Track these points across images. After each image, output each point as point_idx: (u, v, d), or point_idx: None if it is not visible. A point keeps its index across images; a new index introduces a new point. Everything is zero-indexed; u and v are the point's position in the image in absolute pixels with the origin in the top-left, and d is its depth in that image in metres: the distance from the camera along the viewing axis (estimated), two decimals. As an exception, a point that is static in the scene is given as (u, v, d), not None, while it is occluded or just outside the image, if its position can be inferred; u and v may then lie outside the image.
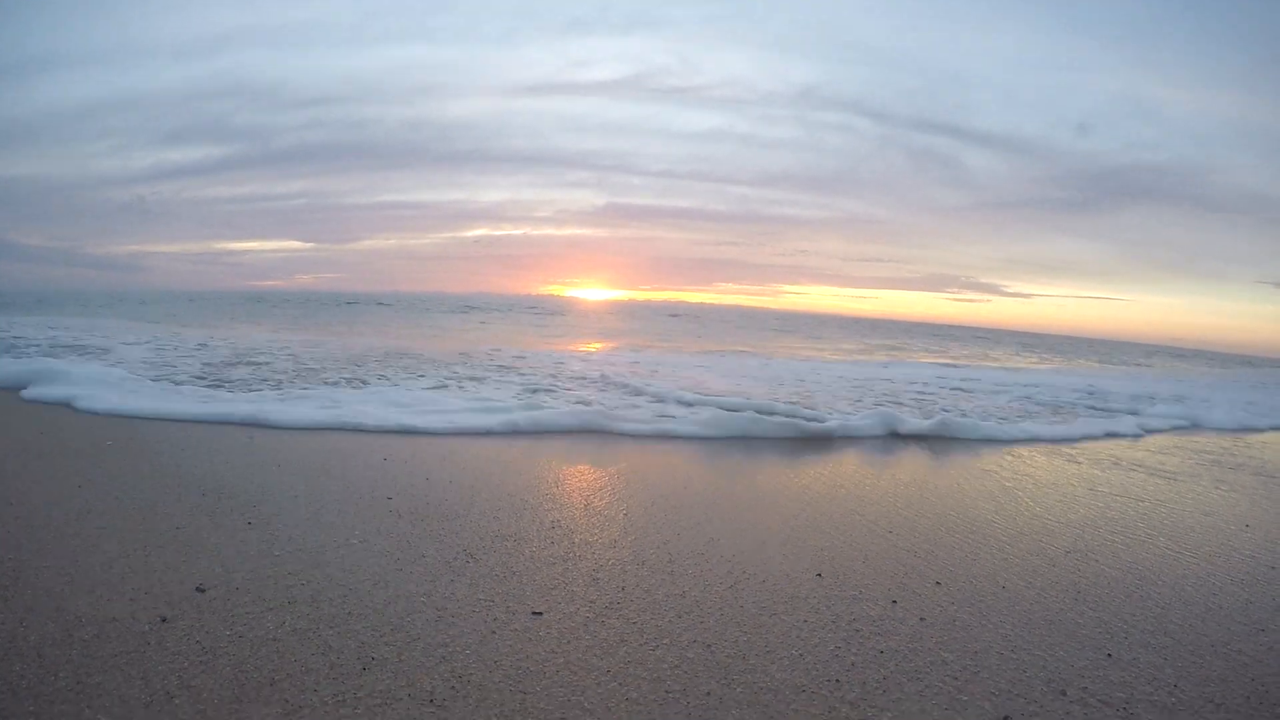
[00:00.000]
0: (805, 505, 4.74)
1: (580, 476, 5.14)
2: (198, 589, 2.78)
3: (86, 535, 3.32)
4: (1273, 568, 4.02)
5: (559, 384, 10.07)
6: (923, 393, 12.37)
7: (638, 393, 9.47)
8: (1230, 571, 3.90)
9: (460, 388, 9.07)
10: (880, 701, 2.30)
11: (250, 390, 8.06)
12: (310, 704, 2.07)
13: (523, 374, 11.01)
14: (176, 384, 8.22)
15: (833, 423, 7.78)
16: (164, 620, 2.51)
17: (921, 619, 2.98)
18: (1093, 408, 11.88)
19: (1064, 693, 2.44)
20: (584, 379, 10.76)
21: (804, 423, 7.58)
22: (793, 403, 9.28)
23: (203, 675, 2.18)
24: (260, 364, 10.55)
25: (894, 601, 3.15)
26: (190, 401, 7.00)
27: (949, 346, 34.21)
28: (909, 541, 4.04)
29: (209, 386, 8.18)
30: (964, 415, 9.13)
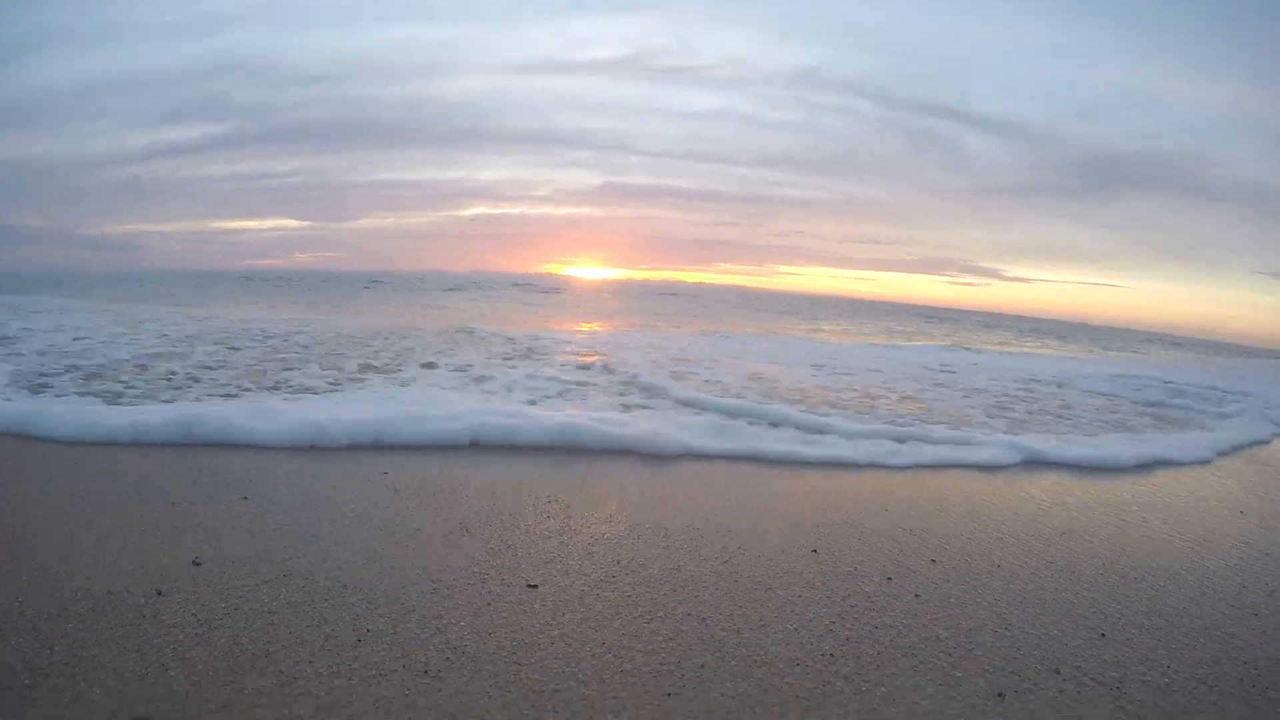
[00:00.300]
0: (802, 482, 4.75)
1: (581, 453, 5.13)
2: (193, 563, 2.78)
3: (82, 513, 3.31)
4: (1266, 553, 4.04)
5: (596, 382, 8.04)
6: (1017, 395, 10.12)
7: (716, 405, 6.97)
8: (1224, 556, 3.91)
9: (486, 389, 7.09)
10: (874, 676, 2.31)
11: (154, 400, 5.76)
12: (305, 675, 2.07)
13: (554, 362, 9.34)
14: (44, 388, 5.90)
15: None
16: (159, 594, 2.50)
17: (916, 595, 2.99)
18: (1191, 409, 10.50)
19: (1057, 671, 2.45)
20: (622, 375, 8.57)
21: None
22: (906, 414, 7.44)
23: (198, 648, 2.18)
24: (219, 351, 8.53)
25: (889, 578, 3.16)
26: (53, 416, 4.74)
27: (952, 331, 33.86)
28: (904, 519, 4.04)
29: (91, 396, 5.70)
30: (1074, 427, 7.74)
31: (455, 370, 8.24)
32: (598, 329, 16.94)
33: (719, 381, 8.69)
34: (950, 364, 14.28)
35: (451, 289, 33.91)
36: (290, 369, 7.66)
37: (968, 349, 20.13)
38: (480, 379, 7.69)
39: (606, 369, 9.10)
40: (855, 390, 9.05)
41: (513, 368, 8.64)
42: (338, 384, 6.93)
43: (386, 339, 11.03)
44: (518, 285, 41.88)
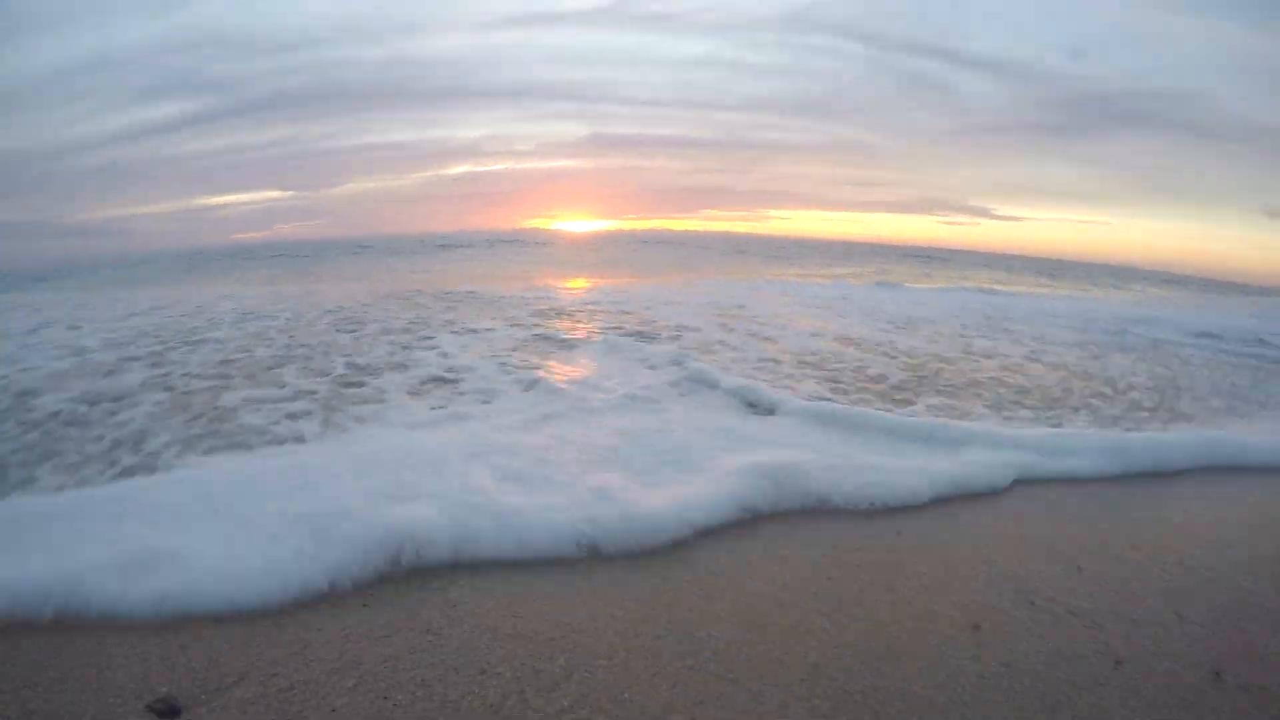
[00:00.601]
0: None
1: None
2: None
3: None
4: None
5: (672, 374, 5.97)
6: (1131, 349, 9.46)
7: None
8: (1202, 491, 4.02)
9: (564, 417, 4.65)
10: (855, 612, 2.44)
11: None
12: (317, 641, 2.19)
13: (601, 342, 7.33)
14: None
15: None
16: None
17: (898, 533, 3.11)
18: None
19: (1032, 603, 2.57)
20: (687, 350, 6.93)
21: None
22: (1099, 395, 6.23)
23: (213, 625, 2.29)
24: (168, 354, 6.53)
25: (871, 518, 3.28)
26: None
27: (950, 271, 32.87)
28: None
29: None
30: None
31: (495, 364, 6.14)
32: (610, 285, 15.43)
33: (817, 354, 7.32)
34: (992, 309, 13.49)
35: (441, 248, 33.34)
36: (257, 387, 5.32)
37: (967, 286, 19.63)
38: (539, 387, 5.36)
39: (662, 336, 7.84)
40: (977, 359, 7.70)
41: (552, 355, 6.73)
42: (325, 415, 4.63)
43: (385, 310, 9.74)
44: (507, 242, 41.27)
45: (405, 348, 6.89)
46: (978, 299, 16.09)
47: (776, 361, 6.82)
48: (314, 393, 5.21)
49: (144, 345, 7.10)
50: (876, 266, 30.17)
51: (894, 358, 7.40)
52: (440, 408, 4.87)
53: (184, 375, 5.79)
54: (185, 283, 17.58)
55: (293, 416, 4.62)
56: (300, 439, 4.20)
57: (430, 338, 7.48)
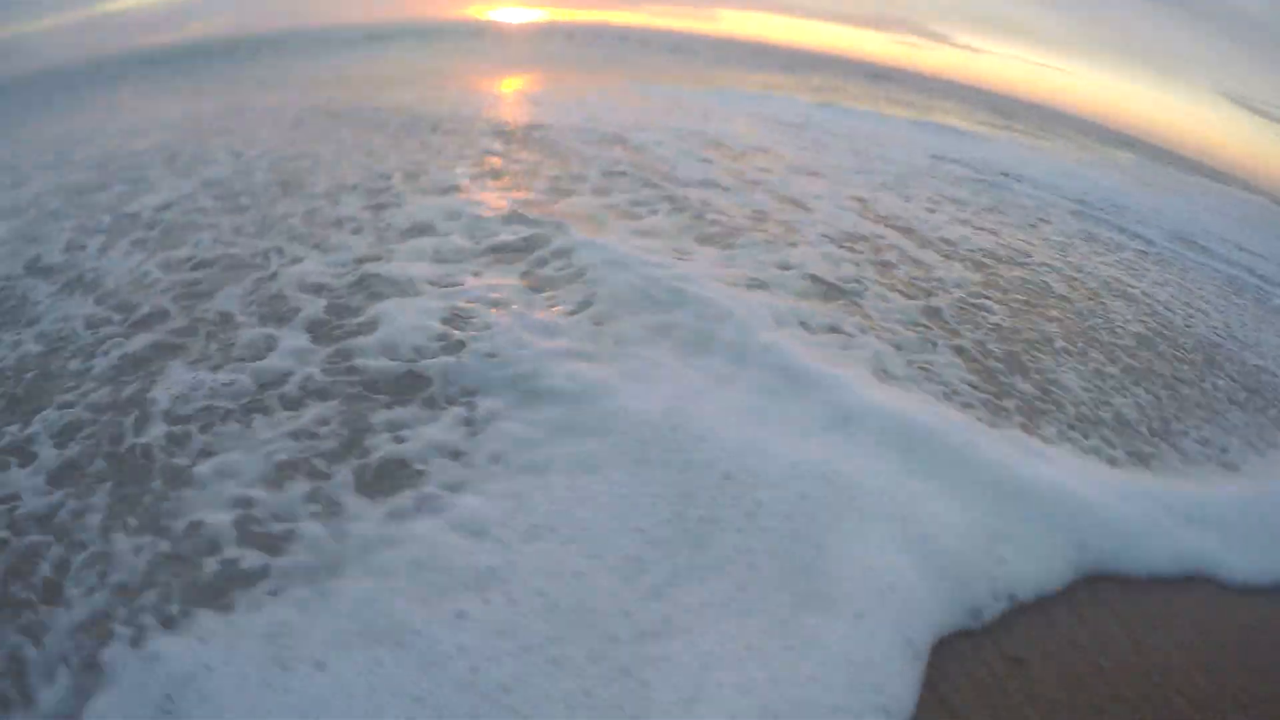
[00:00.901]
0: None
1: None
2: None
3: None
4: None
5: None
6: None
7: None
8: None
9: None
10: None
11: None
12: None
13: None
14: None
15: None
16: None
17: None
18: None
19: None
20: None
21: None
22: None
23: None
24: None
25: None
26: None
27: (898, 94, 30.25)
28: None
29: None
30: None
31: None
32: (563, 91, 14.01)
33: (872, 249, 5.88)
34: (972, 160, 12.00)
35: (369, 39, 29.57)
36: (203, 365, 3.60)
37: (930, 121, 17.84)
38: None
39: (687, 206, 6.27)
40: (1036, 273, 6.27)
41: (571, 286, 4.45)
42: (355, 465, 2.90)
43: (331, 149, 7.77)
44: (439, 32, 36.84)
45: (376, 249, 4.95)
46: (949, 143, 14.41)
47: (865, 261, 5.56)
48: (310, 375, 3.45)
49: (36, 255, 5.16)
50: (822, 80, 26.86)
51: (959, 259, 6.10)
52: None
53: (92, 337, 3.84)
54: (91, 108, 14.69)
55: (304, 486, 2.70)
56: (331, 568, 2.32)
57: (395, 205, 5.91)
